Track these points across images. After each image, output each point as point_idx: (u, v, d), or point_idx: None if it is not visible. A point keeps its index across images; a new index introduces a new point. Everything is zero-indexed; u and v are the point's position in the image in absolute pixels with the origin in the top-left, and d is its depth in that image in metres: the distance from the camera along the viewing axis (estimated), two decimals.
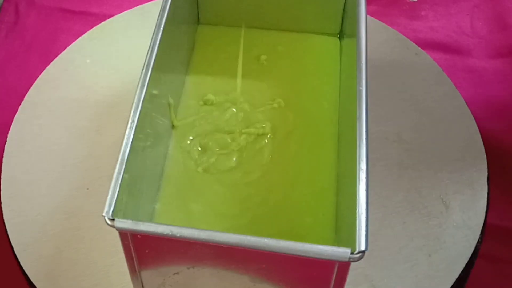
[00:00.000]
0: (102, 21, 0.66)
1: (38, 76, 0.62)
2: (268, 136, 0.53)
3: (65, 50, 0.64)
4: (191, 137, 0.53)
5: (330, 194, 0.49)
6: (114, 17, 0.67)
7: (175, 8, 0.50)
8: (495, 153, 0.57)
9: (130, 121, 0.42)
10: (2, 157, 0.56)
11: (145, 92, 0.44)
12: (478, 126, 0.58)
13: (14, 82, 0.62)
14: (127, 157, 0.41)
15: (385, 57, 0.62)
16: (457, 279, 0.49)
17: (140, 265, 0.41)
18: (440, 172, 0.55)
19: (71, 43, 0.64)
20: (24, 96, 0.60)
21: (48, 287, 0.49)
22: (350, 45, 0.52)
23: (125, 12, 0.67)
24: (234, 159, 0.52)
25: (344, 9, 0.57)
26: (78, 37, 0.65)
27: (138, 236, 0.38)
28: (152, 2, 0.67)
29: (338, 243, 0.46)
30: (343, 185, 0.47)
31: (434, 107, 0.59)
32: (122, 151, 0.41)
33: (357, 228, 0.37)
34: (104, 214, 0.38)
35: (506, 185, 0.55)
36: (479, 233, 0.52)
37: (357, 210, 0.38)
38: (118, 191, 0.39)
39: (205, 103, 0.55)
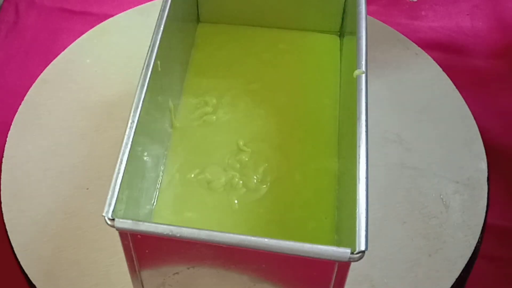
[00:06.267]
0: (102, 21, 0.66)
1: (38, 76, 0.62)
2: (269, 138, 0.53)
3: (65, 50, 0.64)
4: (190, 140, 0.53)
5: (332, 196, 0.49)
6: (114, 17, 0.67)
7: (175, 7, 0.50)
8: (495, 153, 0.57)
9: (130, 121, 0.42)
10: (2, 157, 0.56)
11: (145, 92, 0.44)
12: (478, 126, 0.58)
13: (14, 82, 0.62)
14: (127, 157, 0.41)
15: (385, 57, 0.62)
16: (457, 279, 0.49)
17: (140, 265, 0.41)
18: (440, 172, 0.55)
19: (71, 43, 0.64)
20: (24, 96, 0.60)
21: (48, 287, 0.49)
22: (350, 43, 0.52)
23: (125, 12, 0.67)
24: (234, 163, 0.52)
25: (344, 8, 0.58)
26: (78, 37, 0.65)
27: (138, 236, 0.38)
28: (152, 2, 0.67)
29: (338, 243, 0.46)
30: (343, 185, 0.47)
31: (434, 107, 0.59)
32: (122, 151, 0.41)
33: (357, 228, 0.37)
34: (104, 214, 0.38)
35: (506, 185, 0.55)
36: (479, 233, 0.52)
37: (357, 210, 0.38)
38: (118, 191, 0.39)
39: (205, 103, 0.55)
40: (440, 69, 0.62)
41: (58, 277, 0.49)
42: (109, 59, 0.63)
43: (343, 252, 0.36)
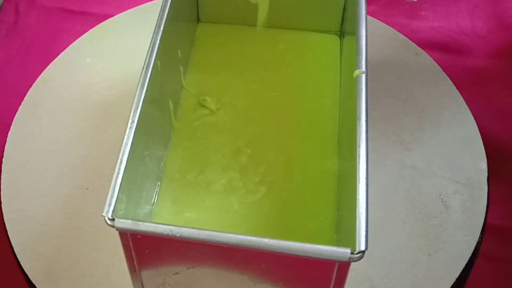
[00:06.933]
0: (102, 21, 0.66)
1: (38, 76, 0.62)
2: (269, 138, 0.53)
3: (65, 50, 0.64)
4: (190, 140, 0.53)
5: (332, 196, 0.49)
6: (114, 17, 0.67)
7: (175, 7, 0.50)
8: (495, 153, 0.57)
9: (130, 121, 0.42)
10: (2, 157, 0.56)
11: (145, 92, 0.44)
12: (478, 126, 0.58)
13: (14, 82, 0.62)
14: (127, 157, 0.41)
15: (385, 57, 0.62)
16: (457, 279, 0.49)
17: (140, 265, 0.41)
18: (440, 172, 0.55)
19: (71, 43, 0.64)
20: (24, 96, 0.60)
21: (48, 287, 0.49)
22: (350, 43, 0.52)
23: (125, 12, 0.67)
24: (234, 163, 0.51)
25: (344, 8, 0.58)
26: (78, 37, 0.65)
27: (138, 236, 0.38)
28: (152, 2, 0.67)
29: (338, 243, 0.46)
30: (343, 185, 0.47)
31: (434, 107, 0.59)
32: (122, 151, 0.41)
33: (357, 228, 0.37)
34: (104, 214, 0.38)
35: (506, 185, 0.55)
36: (479, 233, 0.52)
37: (357, 210, 0.38)
38: (118, 191, 0.39)
39: (205, 103, 0.55)
40: (440, 69, 0.62)
41: (58, 277, 0.49)
42: (109, 59, 0.63)
43: (343, 252, 0.36)
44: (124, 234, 0.38)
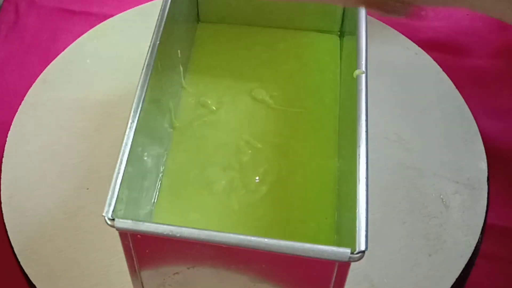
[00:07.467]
0: (102, 21, 0.66)
1: (38, 76, 0.62)
2: (269, 138, 0.53)
3: (65, 50, 0.64)
4: (190, 140, 0.53)
5: (332, 196, 0.49)
6: (114, 17, 0.67)
7: (175, 7, 0.50)
8: (495, 153, 0.57)
9: (130, 121, 0.42)
10: (2, 157, 0.56)
11: (145, 92, 0.44)
12: (478, 126, 0.58)
13: (14, 82, 0.62)
14: (127, 157, 0.41)
15: (385, 57, 0.62)
16: (457, 279, 0.49)
17: (140, 265, 0.41)
18: (440, 172, 0.55)
19: (71, 43, 0.64)
20: (24, 96, 0.60)
21: (48, 287, 0.49)
22: (350, 43, 0.52)
23: (125, 12, 0.67)
24: (234, 163, 0.51)
25: (344, 8, 0.58)
26: (78, 37, 0.65)
27: (138, 236, 0.38)
28: (152, 2, 0.67)
29: (338, 243, 0.46)
30: (343, 185, 0.47)
31: (434, 107, 0.59)
32: (122, 151, 0.41)
33: (357, 228, 0.37)
34: (104, 214, 0.38)
35: (506, 185, 0.55)
36: (479, 233, 0.52)
37: (357, 210, 0.38)
38: (118, 191, 0.39)
39: (205, 103, 0.55)
40: (440, 69, 0.62)
41: (58, 277, 0.49)
42: (109, 59, 0.63)
43: (343, 252, 0.36)
44: (124, 234, 0.38)
